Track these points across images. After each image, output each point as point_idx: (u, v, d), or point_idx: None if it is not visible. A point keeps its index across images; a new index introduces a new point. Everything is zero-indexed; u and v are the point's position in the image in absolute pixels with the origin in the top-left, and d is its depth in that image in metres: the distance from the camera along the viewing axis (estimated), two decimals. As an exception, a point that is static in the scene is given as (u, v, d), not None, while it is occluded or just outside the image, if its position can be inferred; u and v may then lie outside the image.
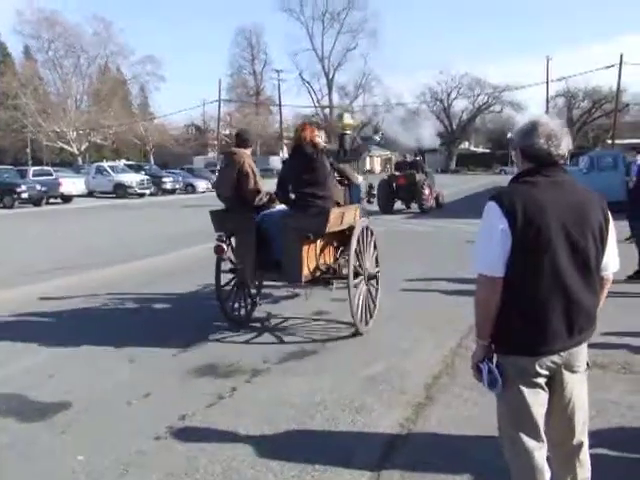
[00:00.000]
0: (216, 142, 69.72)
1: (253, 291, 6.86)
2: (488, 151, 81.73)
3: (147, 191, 33.17)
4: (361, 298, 6.00)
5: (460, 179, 49.04)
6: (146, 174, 35.18)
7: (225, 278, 6.38)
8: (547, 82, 62.42)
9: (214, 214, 6.29)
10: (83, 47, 55.59)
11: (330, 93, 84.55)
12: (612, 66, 49.87)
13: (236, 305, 6.52)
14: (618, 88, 50.89)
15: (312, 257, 5.96)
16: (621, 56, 48.45)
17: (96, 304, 7.62)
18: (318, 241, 6.00)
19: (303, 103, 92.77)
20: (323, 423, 4.03)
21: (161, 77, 75.70)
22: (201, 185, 37.98)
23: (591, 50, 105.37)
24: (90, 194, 32.15)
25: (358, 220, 6.31)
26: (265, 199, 6.20)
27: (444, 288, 8.12)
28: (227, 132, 69.87)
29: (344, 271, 6.17)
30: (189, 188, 37.33)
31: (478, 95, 73.13)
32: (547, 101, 65.04)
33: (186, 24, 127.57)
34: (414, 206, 20.52)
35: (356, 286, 5.94)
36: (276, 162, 72.63)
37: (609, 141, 66.64)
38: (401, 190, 20.18)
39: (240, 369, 5.09)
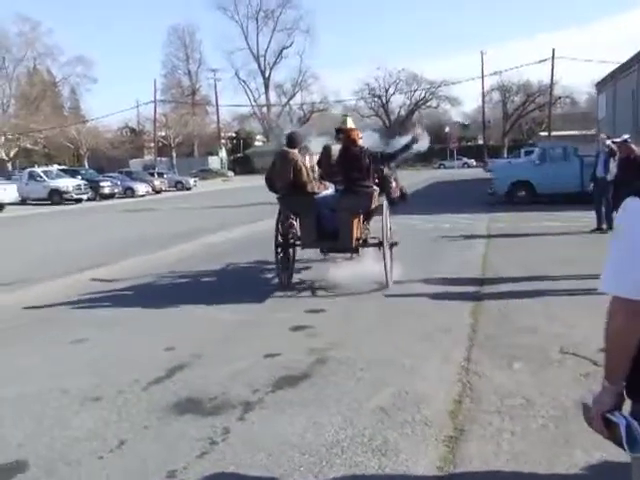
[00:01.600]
0: (152, 144, 67.84)
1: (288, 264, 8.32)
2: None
3: (84, 196, 31.57)
4: (389, 259, 7.72)
5: (402, 174, 48.94)
6: (82, 178, 33.50)
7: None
8: (482, 76, 63.38)
9: (281, 199, 7.95)
10: (7, 48, 52.97)
11: (267, 92, 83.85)
12: (544, 60, 50.92)
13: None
14: (552, 81, 52.07)
15: (356, 229, 7.70)
16: (553, 51, 49.69)
17: (39, 333, 6.70)
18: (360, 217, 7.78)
19: (240, 102, 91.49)
20: (345, 470, 3.33)
21: (93, 79, 73.31)
22: (141, 189, 36.54)
23: (520, 45, 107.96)
24: (24, 202, 30.31)
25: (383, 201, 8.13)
26: (317, 187, 8.02)
27: (428, 291, 7.54)
28: (163, 133, 68.02)
29: (369, 240, 8.17)
30: (128, 192, 35.81)
31: (415, 90, 73.82)
32: (483, 95, 66.09)
33: (117, 24, 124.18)
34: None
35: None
36: (215, 162, 71.40)
37: (543, 133, 68.28)
38: None
39: (228, 402, 4.32)
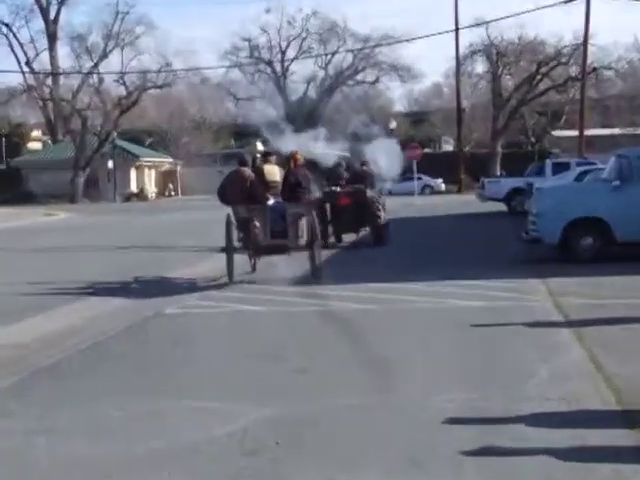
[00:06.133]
0: None
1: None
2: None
3: None
4: (318, 255, 18.61)
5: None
6: None
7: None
8: (456, 26, 64.92)
9: (235, 209, 18.36)
10: None
11: (53, 47, 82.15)
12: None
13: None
14: (586, 35, 53.54)
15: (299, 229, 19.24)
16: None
17: None
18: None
19: (2, 67, 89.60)
20: None
21: None
22: None
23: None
24: None
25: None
26: (269, 199, 18.69)
27: (554, 443, 6.69)
28: None
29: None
30: None
31: (335, 52, 74.61)
32: (457, 63, 67.56)
33: None
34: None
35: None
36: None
37: (562, 133, 70.78)
38: (344, 215, 23.27)
39: None
